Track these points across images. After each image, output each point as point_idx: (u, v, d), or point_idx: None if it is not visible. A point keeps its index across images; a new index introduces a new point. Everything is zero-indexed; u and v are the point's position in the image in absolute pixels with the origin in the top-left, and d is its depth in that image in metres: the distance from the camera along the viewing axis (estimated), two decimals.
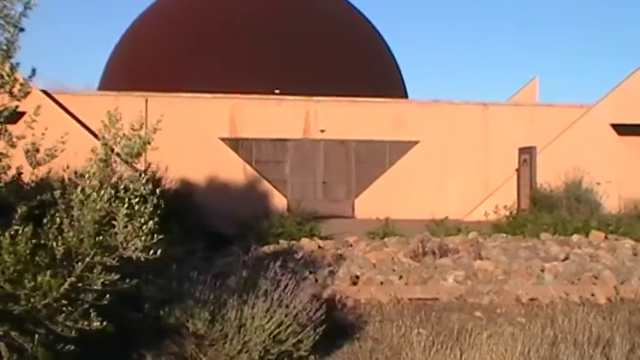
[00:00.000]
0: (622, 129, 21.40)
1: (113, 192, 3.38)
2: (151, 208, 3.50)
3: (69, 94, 20.01)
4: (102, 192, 3.30)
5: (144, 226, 3.35)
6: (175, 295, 5.10)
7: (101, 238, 3.26)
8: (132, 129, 3.88)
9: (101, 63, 27.90)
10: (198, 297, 5.02)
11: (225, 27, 24.20)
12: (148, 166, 3.87)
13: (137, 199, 3.43)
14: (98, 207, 3.26)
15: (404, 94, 27.36)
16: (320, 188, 22.15)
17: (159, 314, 4.91)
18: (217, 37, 23.99)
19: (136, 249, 3.32)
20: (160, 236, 3.43)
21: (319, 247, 11.81)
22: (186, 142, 19.24)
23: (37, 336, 3.03)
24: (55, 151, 3.74)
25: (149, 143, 3.95)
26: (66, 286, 3.05)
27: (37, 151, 3.70)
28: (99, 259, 3.22)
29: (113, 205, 3.33)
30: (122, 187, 3.42)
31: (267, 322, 4.81)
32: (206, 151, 20.28)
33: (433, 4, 70.15)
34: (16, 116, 3.86)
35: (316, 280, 8.10)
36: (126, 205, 3.36)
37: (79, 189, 3.29)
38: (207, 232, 12.14)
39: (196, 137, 20.20)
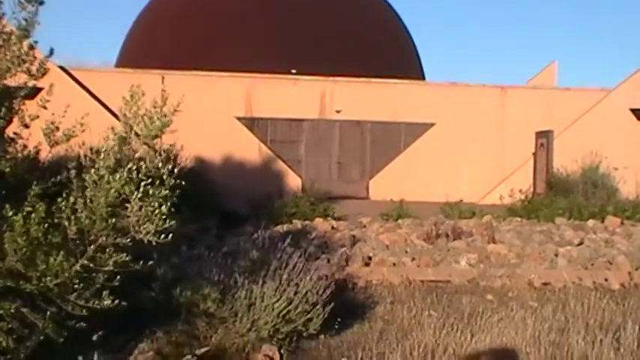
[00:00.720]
0: None
1: (128, 173, 3.36)
2: (167, 191, 3.48)
3: (86, 71, 20.07)
4: (116, 174, 3.29)
5: (156, 210, 3.34)
6: (186, 273, 5.14)
7: (114, 220, 3.26)
8: (154, 107, 3.85)
9: (119, 40, 27.99)
10: (209, 276, 5.05)
11: (242, 6, 24.12)
12: (167, 149, 3.81)
13: (151, 182, 3.42)
14: (112, 189, 3.25)
15: (421, 76, 27.18)
16: (335, 169, 22.15)
17: (170, 293, 4.95)
18: (234, 16, 23.90)
19: (148, 233, 3.32)
20: (172, 221, 3.42)
21: (333, 227, 11.89)
22: (202, 121, 19.26)
23: (48, 313, 3.06)
24: (74, 131, 3.74)
25: (168, 126, 3.93)
26: (77, 267, 3.06)
27: (57, 129, 3.70)
28: (111, 241, 3.23)
29: (127, 187, 3.32)
30: (136, 168, 3.40)
31: (277, 301, 4.83)
32: (222, 130, 20.32)
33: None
34: (33, 92, 3.88)
35: (329, 261, 8.13)
36: (140, 188, 3.35)
37: (92, 170, 3.28)
38: (221, 211, 12.23)
39: (212, 116, 20.23)
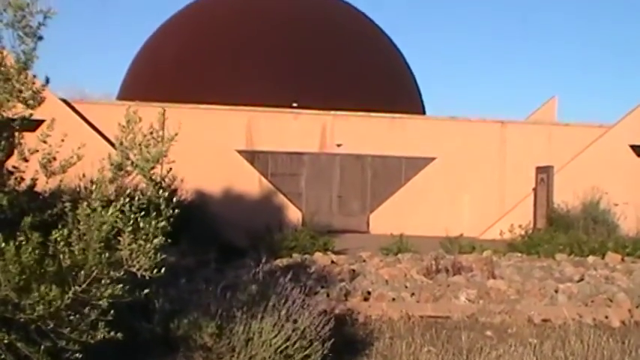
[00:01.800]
0: None
1: (122, 205, 3.36)
2: (164, 222, 3.48)
3: (88, 103, 20.26)
4: (108, 208, 3.29)
5: (149, 245, 3.34)
6: (185, 306, 5.12)
7: (107, 254, 3.26)
8: (150, 133, 3.85)
9: (121, 73, 28.24)
10: (207, 309, 5.02)
11: (243, 40, 24.37)
12: (164, 178, 3.79)
13: (145, 214, 3.42)
14: (104, 223, 3.25)
15: (422, 111, 27.35)
16: (335, 202, 22.16)
17: (168, 325, 4.93)
18: (235, 49, 24.16)
19: (141, 267, 3.31)
20: (164, 255, 3.41)
21: (332, 261, 11.79)
22: (202, 154, 19.36)
23: (42, 346, 3.04)
24: (72, 160, 3.74)
25: (166, 155, 3.92)
26: (70, 295, 3.05)
27: (54, 159, 3.72)
28: (106, 274, 3.22)
29: (120, 221, 3.32)
30: (129, 201, 3.40)
31: (275, 336, 4.80)
32: (222, 163, 20.40)
33: (453, 21, 70.30)
34: (34, 124, 3.90)
35: (328, 295, 8.08)
36: (131, 221, 3.35)
37: (85, 203, 3.29)
38: (221, 244, 12.18)
39: (213, 149, 20.33)
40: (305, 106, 21.71)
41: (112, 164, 3.73)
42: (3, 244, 2.96)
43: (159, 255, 3.40)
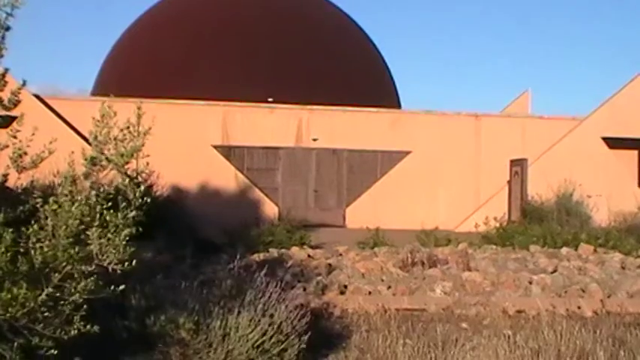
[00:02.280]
0: (613, 142, 21.53)
1: (87, 200, 3.34)
2: (132, 213, 3.47)
3: (61, 99, 20.03)
4: (75, 205, 3.28)
5: (117, 238, 3.34)
6: (161, 302, 5.10)
7: (77, 249, 3.24)
8: (127, 128, 3.83)
9: (95, 68, 27.95)
10: (183, 305, 5.01)
11: (218, 34, 24.27)
12: (140, 173, 3.77)
13: (113, 206, 3.40)
14: (70, 218, 3.24)
15: (397, 105, 27.46)
16: (311, 197, 22.18)
17: (144, 322, 4.91)
18: (210, 44, 24.06)
19: (111, 261, 3.31)
20: (133, 249, 3.41)
21: (309, 256, 11.81)
22: (178, 149, 19.24)
23: (15, 343, 3.03)
24: (43, 155, 3.71)
25: (140, 150, 3.90)
26: (43, 296, 3.04)
27: (25, 154, 3.68)
28: (77, 269, 3.21)
29: (87, 215, 3.31)
30: (96, 194, 3.38)
31: (251, 331, 4.80)
32: (198, 158, 20.29)
33: (428, 16, 70.57)
34: (7, 121, 3.85)
35: (304, 290, 8.09)
36: (98, 215, 3.34)
37: (51, 198, 3.27)
38: (197, 239, 12.12)
39: (188, 144, 20.22)
40: (281, 101, 21.66)
41: (85, 159, 3.71)
42: None
43: (128, 248, 3.40)
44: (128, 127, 3.79)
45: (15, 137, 3.59)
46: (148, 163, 4.03)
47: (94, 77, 27.52)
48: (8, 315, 2.97)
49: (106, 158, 3.75)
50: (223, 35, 24.19)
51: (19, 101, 3.71)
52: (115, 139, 3.75)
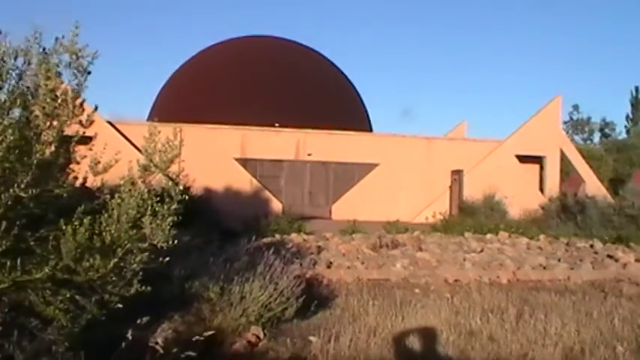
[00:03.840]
0: (522, 158, 21.78)
1: (141, 195, 3.36)
2: (174, 205, 3.48)
3: (124, 123, 19.91)
4: (132, 198, 3.31)
5: (163, 223, 3.36)
6: (195, 273, 5.13)
7: (135, 231, 3.27)
8: (167, 143, 3.85)
9: (150, 99, 27.92)
10: (212, 275, 5.04)
11: (239, 77, 24.28)
12: (178, 175, 3.79)
13: (161, 200, 3.43)
14: (130, 209, 3.27)
15: (369, 128, 27.54)
16: (306, 197, 22.17)
17: (184, 287, 4.93)
18: (234, 83, 24.05)
19: (159, 240, 3.34)
20: (174, 231, 3.42)
21: (304, 240, 11.86)
22: (208, 161, 19.20)
23: (93, 299, 3.06)
24: (111, 163, 3.74)
25: (178, 156, 3.90)
26: (111, 265, 3.07)
27: (98, 162, 3.71)
28: (135, 246, 3.24)
29: (142, 207, 3.34)
30: (148, 191, 3.41)
31: (261, 295, 4.83)
32: (223, 168, 20.27)
33: (395, 62, 70.72)
34: (89, 140, 3.88)
35: (301, 264, 8.09)
36: (149, 207, 3.36)
37: (116, 194, 3.31)
38: (222, 228, 12.13)
39: (216, 157, 20.19)
40: (284, 126, 21.70)
41: (139, 166, 3.74)
42: (64, 226, 2.96)
43: (171, 231, 3.42)
44: (168, 143, 3.82)
45: (91, 150, 3.63)
46: (183, 169, 4.05)
47: (150, 106, 27.49)
48: (87, 278, 3.00)
49: (154, 165, 3.78)
50: (243, 77, 24.20)
51: (92, 122, 3.72)
52: (159, 151, 3.78)
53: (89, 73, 3.57)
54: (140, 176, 3.66)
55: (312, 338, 4.66)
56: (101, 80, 3.70)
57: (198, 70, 25.98)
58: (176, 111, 22.44)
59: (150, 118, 25.78)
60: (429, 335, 4.83)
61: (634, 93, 44.78)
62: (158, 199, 3.50)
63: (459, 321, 5.25)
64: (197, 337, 3.77)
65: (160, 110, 25.15)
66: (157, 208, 3.41)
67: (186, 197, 3.70)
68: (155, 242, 3.36)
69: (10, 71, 3.24)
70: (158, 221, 3.38)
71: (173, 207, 3.50)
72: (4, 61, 3.23)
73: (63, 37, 3.37)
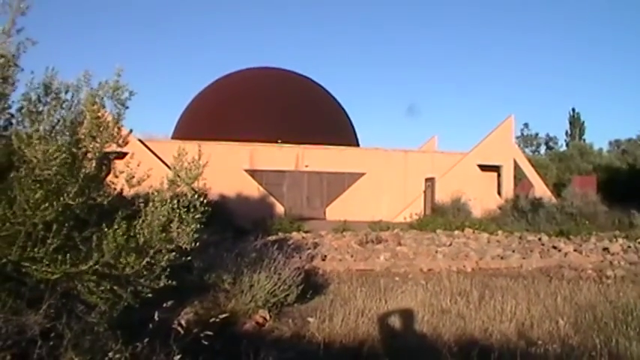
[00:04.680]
0: (483, 167, 21.87)
1: (174, 204, 3.37)
2: (197, 215, 3.48)
3: (154, 141, 19.88)
4: (163, 207, 3.33)
5: (188, 229, 3.38)
6: (213, 265, 5.14)
7: (164, 235, 3.29)
8: (192, 162, 3.86)
9: (174, 120, 27.91)
10: (226, 267, 5.05)
11: (249, 100, 24.30)
12: (200, 188, 3.80)
13: (187, 209, 3.43)
14: (161, 216, 3.29)
15: (357, 143, 27.61)
16: (305, 201, 22.15)
17: (203, 277, 4.94)
18: (245, 106, 24.07)
19: (185, 242, 3.35)
20: (197, 235, 3.42)
21: (303, 237, 11.86)
22: (223, 172, 19.10)
23: (129, 289, 3.08)
24: (144, 177, 3.75)
25: (201, 174, 3.92)
26: (144, 262, 3.09)
27: (133, 176, 3.72)
28: (164, 247, 3.26)
29: (171, 214, 3.36)
30: (177, 202, 3.42)
31: (267, 284, 4.84)
32: (235, 177, 20.24)
33: (378, 85, 70.86)
34: (123, 155, 3.91)
35: (300, 258, 8.06)
36: (177, 215, 3.38)
37: (150, 203, 3.33)
38: (234, 227, 12.13)
39: (230, 168, 20.14)
40: (286, 142, 21.74)
41: (168, 180, 3.77)
42: (105, 229, 2.99)
43: (194, 235, 3.42)
44: (193, 162, 3.84)
45: (127, 166, 3.66)
46: (205, 184, 4.05)
47: (174, 124, 27.47)
48: (124, 272, 3.02)
49: (181, 180, 3.79)
50: (252, 102, 24.21)
51: (127, 142, 3.74)
52: (185, 167, 3.80)
53: (127, 107, 3.60)
54: (168, 188, 3.68)
55: (309, 319, 4.68)
56: (135, 102, 3.72)
57: (216, 95, 26.02)
58: (196, 129, 22.48)
59: (174, 135, 25.80)
60: (407, 315, 4.85)
61: (571, 113, 45.41)
62: (185, 208, 3.51)
63: (432, 302, 5.28)
64: (213, 318, 3.78)
65: (183, 128, 25.18)
66: (183, 216, 3.42)
67: (208, 207, 3.70)
68: (181, 244, 3.37)
69: (63, 102, 3.28)
70: (183, 227, 3.39)
71: (197, 216, 3.51)
72: (58, 95, 3.27)
73: (107, 81, 3.41)
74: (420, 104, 67.65)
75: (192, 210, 3.44)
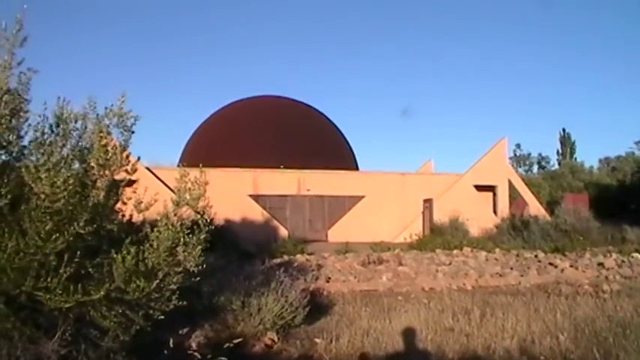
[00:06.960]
0: (479, 187, 21.86)
1: (175, 228, 3.33)
2: (203, 236, 3.44)
3: (160, 168, 19.94)
4: (168, 231, 3.29)
5: (194, 251, 3.33)
6: (221, 288, 5.06)
7: (171, 258, 3.24)
8: (195, 182, 3.82)
9: (181, 146, 28.12)
10: (234, 290, 4.99)
11: (252, 128, 24.52)
12: (203, 209, 3.75)
13: (189, 234, 3.38)
14: (166, 240, 3.26)
15: (356, 167, 27.68)
16: (307, 224, 22.03)
17: (212, 300, 4.87)
18: (248, 134, 24.25)
19: (191, 265, 3.30)
20: (203, 257, 3.37)
21: (307, 259, 11.74)
22: (228, 197, 19.14)
23: (140, 313, 3.01)
24: (151, 203, 3.72)
25: (204, 193, 3.87)
26: (153, 285, 3.04)
27: (141, 202, 3.69)
28: (172, 270, 3.21)
29: (175, 238, 3.32)
30: (180, 224, 3.38)
31: (275, 306, 4.77)
32: (239, 202, 20.20)
33: (376, 110, 71.05)
34: (132, 183, 3.90)
35: (305, 280, 7.99)
36: (181, 238, 3.33)
37: (155, 229, 3.30)
38: (240, 251, 12.03)
39: (234, 193, 20.16)
40: (288, 167, 21.81)
41: (173, 202, 3.73)
42: (115, 255, 2.96)
43: (200, 257, 3.39)
44: (196, 181, 3.80)
45: (135, 192, 3.64)
46: (209, 205, 4.00)
47: (180, 151, 27.66)
48: (135, 296, 2.97)
49: (185, 202, 3.75)
50: (255, 129, 24.41)
51: (135, 169, 3.73)
52: (189, 189, 3.77)
53: (133, 132, 3.61)
54: (173, 210, 3.65)
55: (317, 340, 4.60)
56: (142, 130, 3.72)
57: (220, 123, 26.26)
58: (201, 156, 22.42)
59: (180, 162, 25.90)
60: (411, 333, 4.76)
61: (562, 133, 45.73)
62: (189, 231, 3.47)
63: (435, 321, 5.20)
64: (227, 343, 3.69)
65: (188, 155, 25.29)
66: (187, 239, 3.38)
67: (212, 227, 3.67)
68: (188, 266, 3.33)
69: (72, 132, 3.29)
70: (189, 249, 3.35)
71: (202, 236, 3.46)
72: (67, 124, 3.28)
73: (112, 105, 3.43)
74: (415, 122, 67.47)
75: (196, 231, 3.39)
